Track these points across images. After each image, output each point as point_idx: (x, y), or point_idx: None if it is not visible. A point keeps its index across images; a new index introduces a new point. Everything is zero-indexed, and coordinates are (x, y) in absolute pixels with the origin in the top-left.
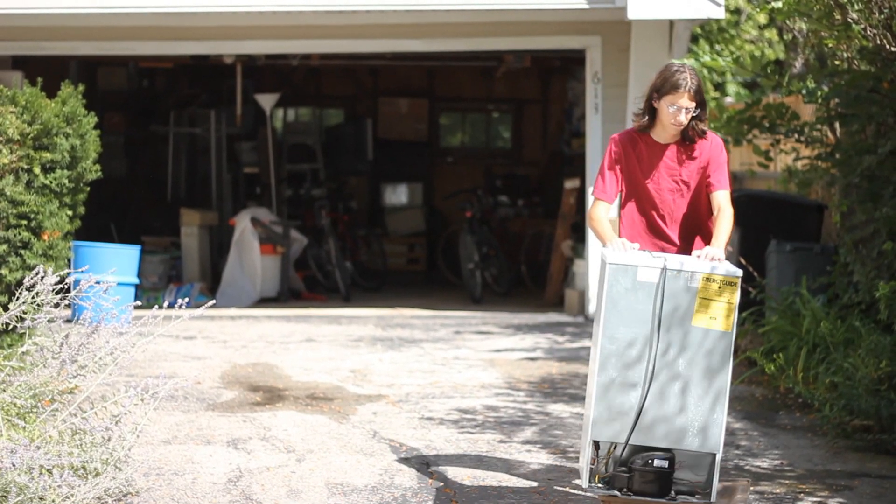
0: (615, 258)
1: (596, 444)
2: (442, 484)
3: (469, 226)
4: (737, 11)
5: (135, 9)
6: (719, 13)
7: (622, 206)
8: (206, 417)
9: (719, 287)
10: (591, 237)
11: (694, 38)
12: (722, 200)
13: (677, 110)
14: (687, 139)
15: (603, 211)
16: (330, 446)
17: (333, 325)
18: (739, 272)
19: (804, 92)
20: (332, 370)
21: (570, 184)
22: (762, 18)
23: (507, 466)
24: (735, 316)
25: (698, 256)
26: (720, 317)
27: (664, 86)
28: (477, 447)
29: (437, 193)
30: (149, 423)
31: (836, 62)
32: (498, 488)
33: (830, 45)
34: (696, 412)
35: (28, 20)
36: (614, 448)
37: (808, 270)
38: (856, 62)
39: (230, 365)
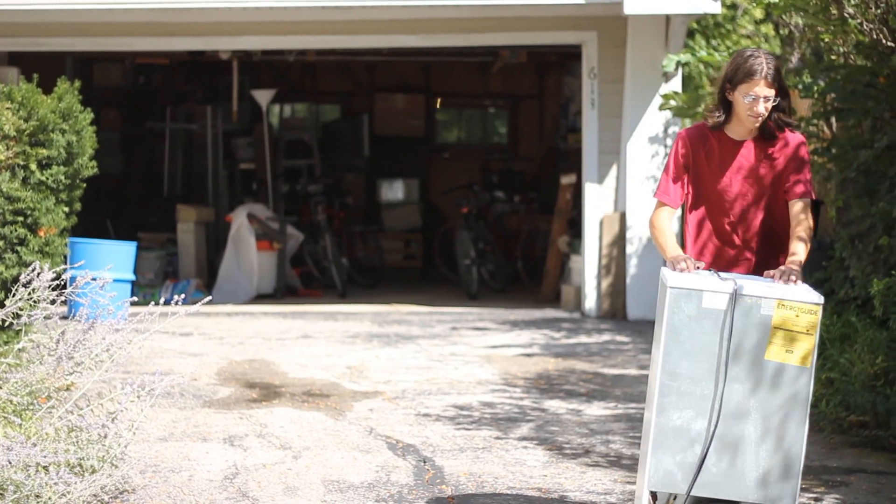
0: (677, 280)
1: (653, 495)
2: (438, 480)
3: (465, 222)
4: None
5: (131, 4)
6: (715, 8)
7: (687, 211)
8: (203, 414)
9: (797, 315)
10: (587, 233)
11: (690, 33)
12: (800, 209)
13: (754, 100)
14: (766, 135)
15: (666, 217)
16: (326, 443)
17: (330, 322)
18: (820, 298)
19: (800, 87)
20: (328, 367)
21: (567, 179)
22: (758, 13)
23: (504, 463)
24: (815, 349)
25: (772, 278)
26: (797, 350)
27: (737, 74)
28: (473, 443)
29: (433, 189)
30: (145, 420)
31: (833, 57)
32: (494, 485)
33: (827, 39)
34: (768, 460)
35: (24, 16)
36: (674, 499)
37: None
38: (852, 57)
39: (226, 361)
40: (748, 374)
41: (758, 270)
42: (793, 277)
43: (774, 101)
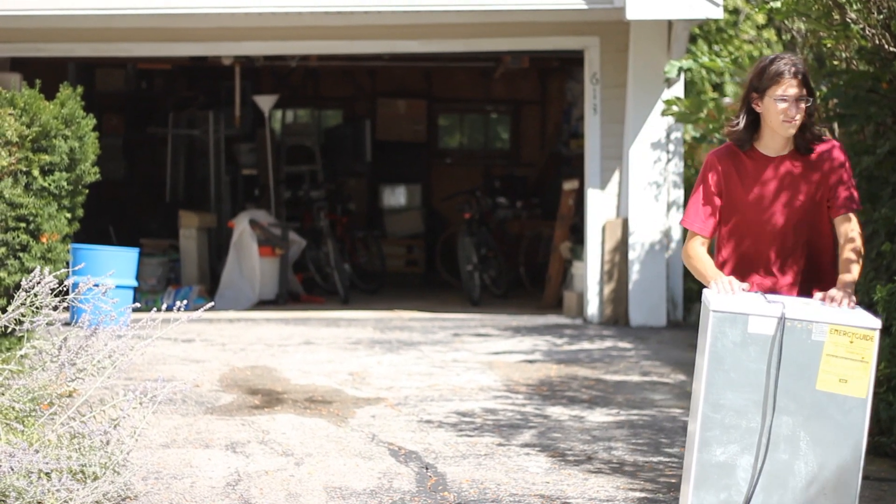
0: (720, 304)
1: None
2: (441, 487)
3: (467, 227)
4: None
5: (132, 10)
6: (718, 13)
7: (720, 238)
8: (205, 421)
9: (851, 341)
10: (590, 239)
11: (692, 39)
12: (849, 226)
13: (789, 103)
14: (801, 149)
15: (700, 246)
16: (328, 450)
17: (332, 328)
18: (877, 322)
19: None
20: (330, 373)
21: (569, 185)
22: (760, 18)
23: (506, 469)
24: (872, 378)
25: (822, 301)
26: (852, 379)
27: (763, 78)
28: (475, 450)
29: (435, 195)
30: (147, 426)
31: (835, 62)
32: (496, 491)
33: (829, 45)
34: (820, 499)
35: (26, 22)
36: None
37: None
38: (854, 62)
39: (229, 368)
40: (798, 406)
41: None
42: (846, 300)
43: (807, 101)
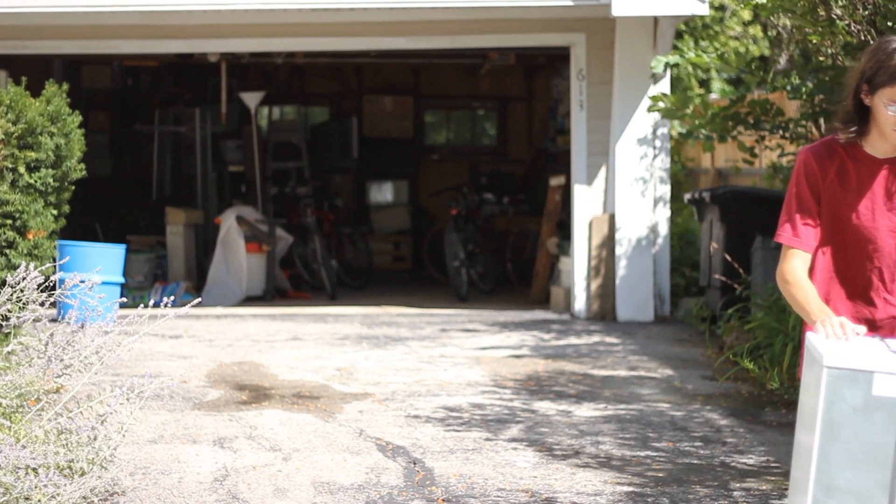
0: (836, 358)
1: None
2: (428, 482)
3: (454, 223)
4: (721, 8)
5: (119, 7)
6: (703, 9)
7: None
8: (192, 416)
9: None
10: (576, 234)
11: (678, 35)
12: None
13: None
14: None
15: (801, 268)
16: (316, 445)
17: (319, 324)
18: None
19: (789, 88)
20: (318, 368)
21: (556, 181)
22: (746, 15)
23: (494, 464)
24: None
25: None
26: None
27: (878, 74)
28: (463, 445)
29: (422, 191)
30: (135, 422)
31: (821, 58)
32: (484, 486)
33: (815, 41)
34: None
35: (11, 19)
36: None
37: None
38: (840, 58)
39: (216, 364)
40: None
41: None
42: None
43: None
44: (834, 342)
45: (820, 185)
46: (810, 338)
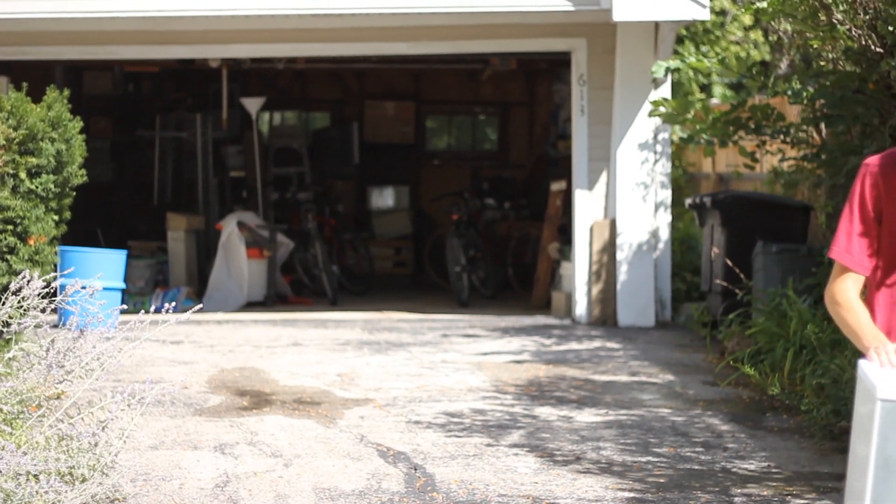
0: (892, 389)
1: None
2: (429, 488)
3: (456, 229)
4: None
5: (120, 13)
6: (704, 14)
7: (870, 276)
8: (194, 422)
9: None
10: (578, 239)
11: (679, 40)
12: None
13: None
14: None
15: (853, 289)
16: (317, 451)
17: (320, 329)
18: None
19: (790, 93)
20: (318, 374)
21: (557, 186)
22: (747, 20)
23: (495, 470)
24: None
25: None
26: None
27: None
28: (464, 451)
29: (423, 196)
30: (136, 428)
31: (822, 63)
32: (485, 492)
33: (816, 45)
34: None
35: (12, 25)
36: None
37: (795, 272)
38: (841, 63)
39: (217, 369)
40: None
41: None
42: None
43: None
44: (889, 371)
45: (883, 203)
46: (863, 366)
